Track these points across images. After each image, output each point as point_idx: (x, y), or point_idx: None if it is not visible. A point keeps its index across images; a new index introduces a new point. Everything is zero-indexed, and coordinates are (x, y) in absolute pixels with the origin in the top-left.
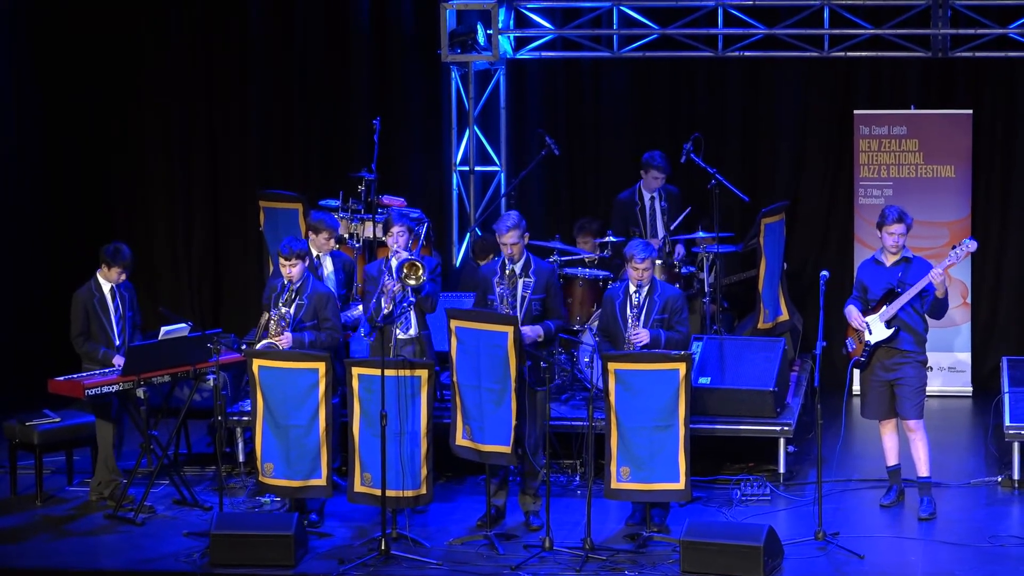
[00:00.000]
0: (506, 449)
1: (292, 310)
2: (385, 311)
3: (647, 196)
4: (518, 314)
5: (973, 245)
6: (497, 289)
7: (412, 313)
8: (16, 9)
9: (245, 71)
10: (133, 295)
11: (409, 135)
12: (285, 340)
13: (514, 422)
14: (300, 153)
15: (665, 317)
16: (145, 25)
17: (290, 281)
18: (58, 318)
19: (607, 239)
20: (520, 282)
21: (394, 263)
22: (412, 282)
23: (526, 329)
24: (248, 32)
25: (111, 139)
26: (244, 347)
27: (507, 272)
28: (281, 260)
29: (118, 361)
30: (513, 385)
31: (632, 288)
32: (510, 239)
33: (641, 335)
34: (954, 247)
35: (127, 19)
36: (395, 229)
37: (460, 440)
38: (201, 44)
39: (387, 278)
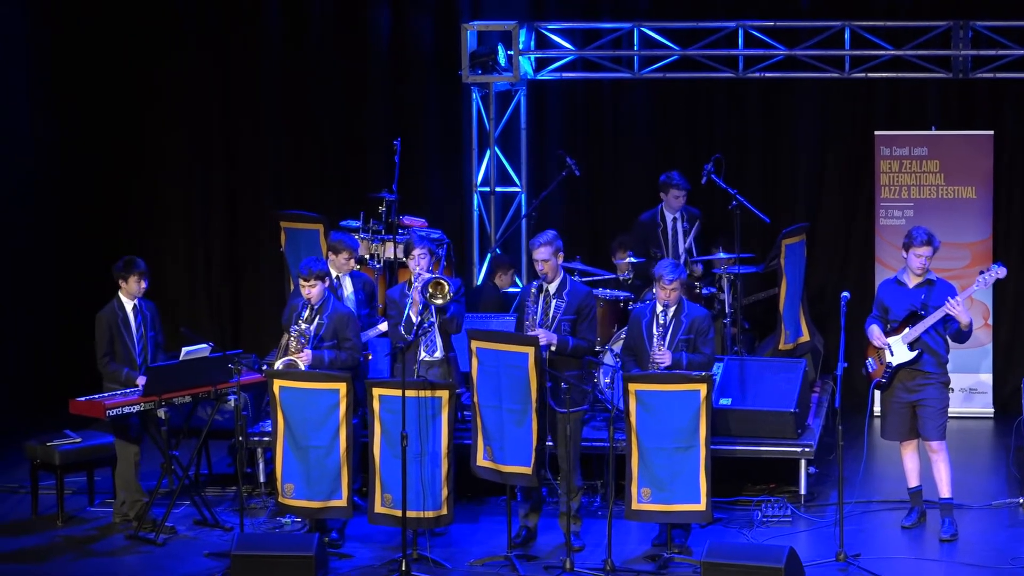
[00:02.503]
0: (527, 470)
1: (312, 328)
2: (413, 322)
3: (669, 217)
4: (545, 330)
5: (1002, 271)
6: (532, 309)
7: (437, 335)
8: (33, 30)
9: (262, 91)
10: (155, 314)
11: (429, 156)
12: (305, 357)
13: (535, 443)
14: (319, 174)
15: (691, 337)
16: (160, 46)
17: (310, 301)
18: (78, 339)
19: (627, 259)
20: (554, 302)
21: (417, 285)
22: (439, 301)
23: (541, 332)
24: (265, 53)
25: (128, 161)
26: (265, 367)
27: (541, 292)
28: (301, 281)
29: (141, 382)
30: (534, 406)
31: (659, 308)
32: (541, 254)
33: (664, 357)
34: (982, 272)
35: (143, 40)
36: (416, 252)
37: (481, 461)
38: (218, 64)
39: (411, 299)
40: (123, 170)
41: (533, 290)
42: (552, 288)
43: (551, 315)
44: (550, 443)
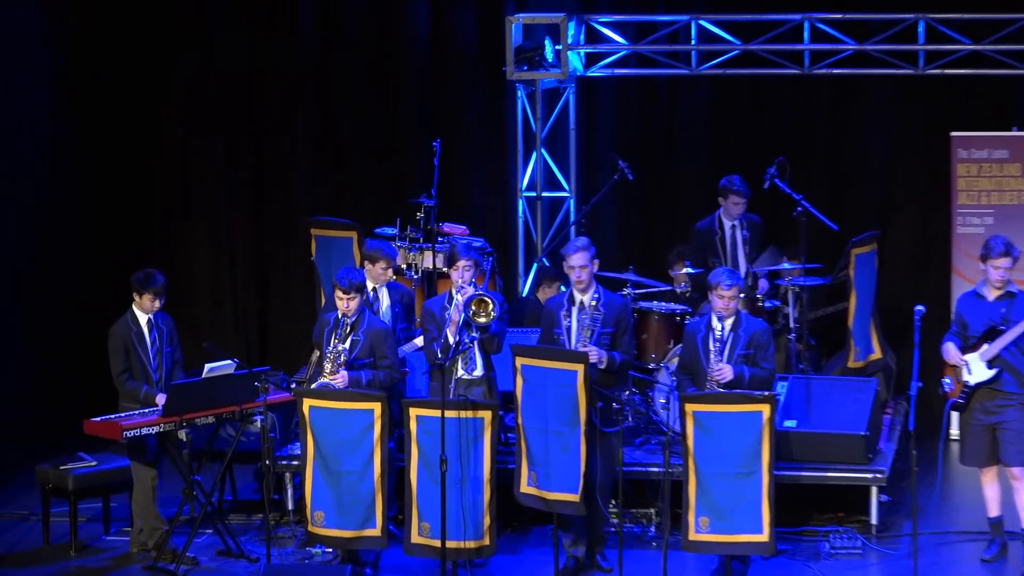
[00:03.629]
0: (574, 498)
1: (347, 346)
2: (451, 343)
3: (728, 225)
4: (588, 344)
5: None
6: (564, 323)
7: (478, 352)
8: (52, 31)
9: (293, 90)
10: (172, 328)
11: (471, 158)
12: (341, 379)
13: (583, 468)
14: (353, 177)
15: (750, 353)
16: (183, 41)
17: (345, 316)
18: (94, 355)
19: (684, 270)
20: (589, 315)
21: (460, 299)
22: (482, 320)
23: (592, 349)
24: (296, 48)
25: (147, 163)
26: (294, 386)
27: (575, 304)
28: (338, 293)
29: (160, 400)
30: (583, 428)
31: (715, 321)
32: (578, 260)
33: (724, 371)
34: None
35: (165, 35)
36: (461, 263)
37: (525, 487)
38: (245, 62)
39: (452, 314)
40: (142, 173)
41: (564, 302)
42: (586, 299)
43: (587, 327)
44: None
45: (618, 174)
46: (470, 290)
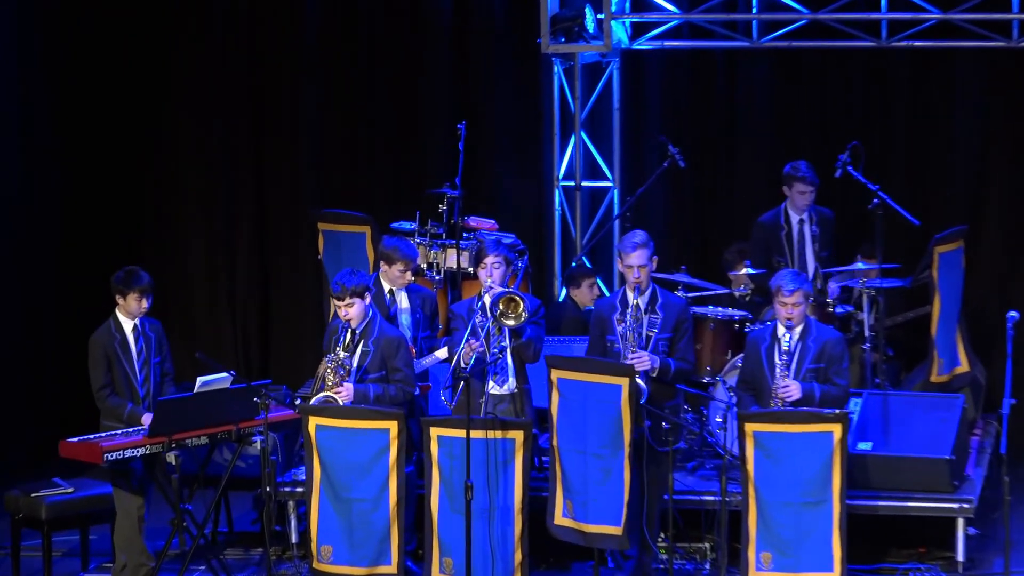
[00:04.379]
0: (616, 530)
1: (356, 357)
2: (472, 358)
3: (795, 218)
4: (642, 351)
5: None
6: (618, 328)
7: (510, 362)
8: (23, 10)
9: (299, 67)
10: (161, 336)
11: (500, 143)
12: (345, 393)
13: (627, 497)
14: (366, 165)
15: (821, 367)
16: (179, 19)
17: (347, 323)
18: (72, 368)
19: (744, 271)
20: (646, 319)
21: (487, 300)
22: (510, 322)
23: (641, 354)
24: (304, 22)
25: (137, 149)
26: (299, 402)
27: (630, 306)
28: (334, 300)
29: (147, 419)
30: (627, 451)
31: (781, 330)
32: (637, 259)
33: (791, 389)
34: None
35: (159, 14)
36: (489, 260)
37: (560, 519)
38: (246, 37)
39: (478, 317)
40: (128, 161)
41: (616, 304)
42: (643, 301)
43: (644, 333)
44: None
45: (668, 161)
46: (499, 289)
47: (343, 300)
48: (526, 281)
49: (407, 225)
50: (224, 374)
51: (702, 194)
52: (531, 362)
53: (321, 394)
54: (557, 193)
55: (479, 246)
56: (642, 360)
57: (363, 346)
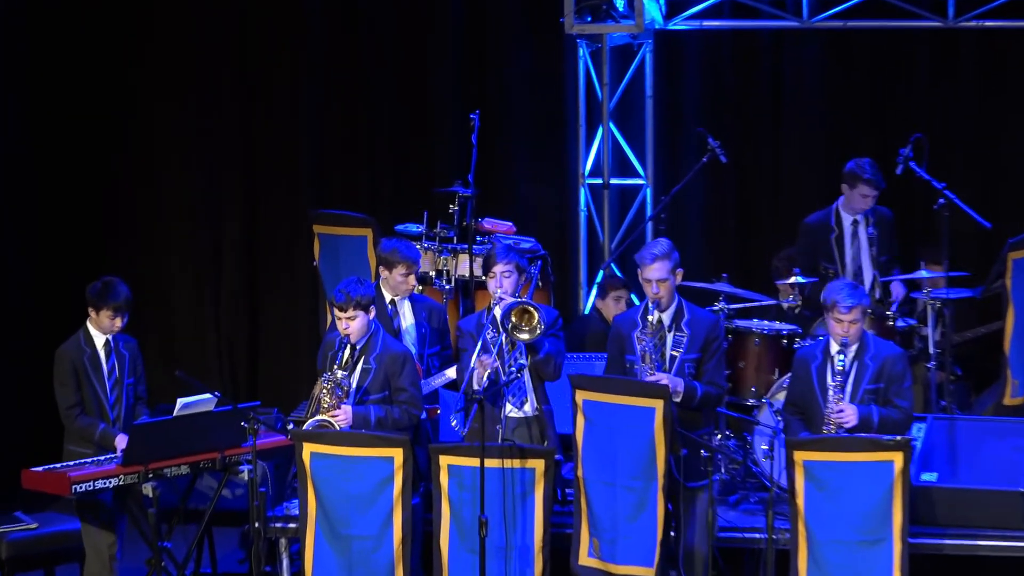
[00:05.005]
0: (648, 572)
1: (356, 376)
2: (485, 376)
3: (847, 220)
4: (664, 374)
5: None
6: (638, 347)
7: (528, 381)
8: None
9: (294, 51)
10: (136, 355)
11: (518, 135)
12: (343, 416)
13: (660, 534)
14: (367, 160)
15: (880, 387)
16: None
17: (347, 337)
18: (37, 387)
19: (792, 279)
20: (669, 336)
21: (497, 313)
22: (524, 336)
23: (660, 376)
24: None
25: (111, 145)
26: (291, 427)
27: (651, 322)
28: (336, 312)
29: (121, 442)
30: (660, 482)
31: (834, 347)
32: (655, 273)
33: (846, 414)
34: None
35: None
36: (499, 268)
37: (585, 558)
38: (234, 20)
39: (489, 332)
40: (102, 156)
41: (637, 319)
42: (667, 317)
43: (667, 352)
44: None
45: (707, 155)
46: (510, 300)
47: (345, 311)
48: (547, 291)
49: (413, 228)
50: (207, 395)
51: (746, 192)
52: (551, 380)
53: (316, 418)
54: (583, 192)
55: (488, 252)
56: (662, 381)
57: (363, 363)
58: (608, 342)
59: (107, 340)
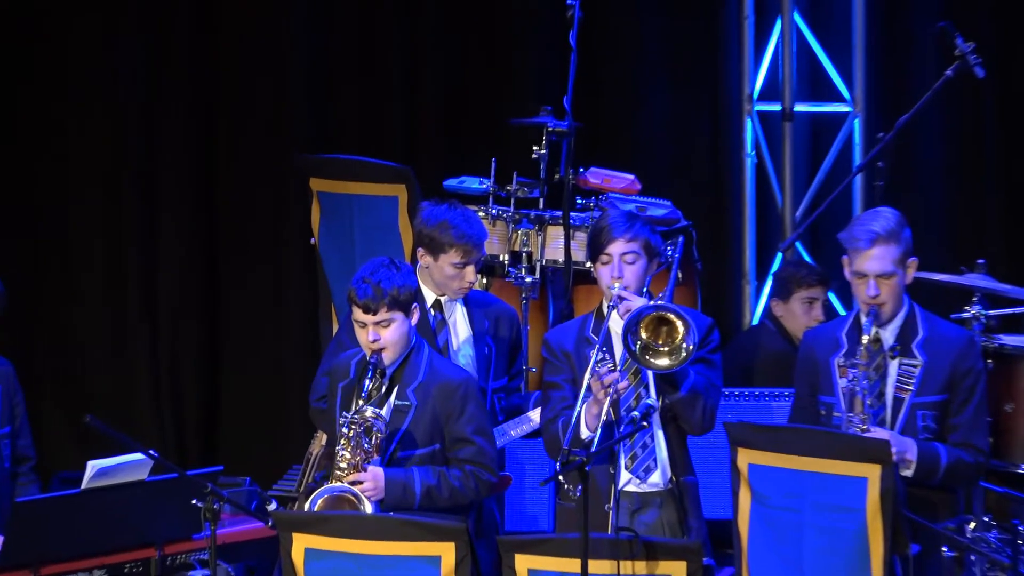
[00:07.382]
0: None
1: (387, 415)
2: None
3: None
4: (884, 429)
5: None
6: (840, 382)
7: (659, 433)
8: None
9: None
10: (13, 387)
11: (644, 38)
12: (371, 485)
13: None
14: (400, 79)
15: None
16: None
17: (376, 356)
18: None
19: None
20: (894, 366)
21: (615, 324)
22: (662, 362)
23: (880, 431)
24: None
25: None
26: (274, 506)
27: (863, 343)
28: (355, 312)
29: None
30: None
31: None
32: (874, 264)
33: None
34: None
35: None
36: (616, 248)
37: None
38: None
39: (600, 354)
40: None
41: (842, 338)
42: (890, 335)
43: (888, 391)
44: None
45: (954, 67)
46: (638, 301)
47: (376, 313)
48: (693, 286)
49: (473, 183)
50: (137, 455)
51: (1015, 128)
52: (698, 433)
53: (324, 487)
54: (748, 125)
55: (600, 224)
56: (879, 440)
57: (397, 398)
58: (795, 372)
59: None
